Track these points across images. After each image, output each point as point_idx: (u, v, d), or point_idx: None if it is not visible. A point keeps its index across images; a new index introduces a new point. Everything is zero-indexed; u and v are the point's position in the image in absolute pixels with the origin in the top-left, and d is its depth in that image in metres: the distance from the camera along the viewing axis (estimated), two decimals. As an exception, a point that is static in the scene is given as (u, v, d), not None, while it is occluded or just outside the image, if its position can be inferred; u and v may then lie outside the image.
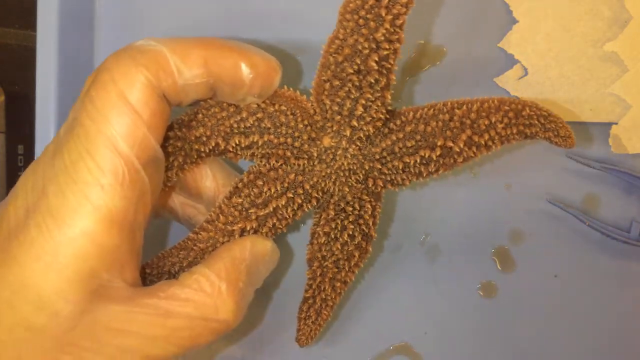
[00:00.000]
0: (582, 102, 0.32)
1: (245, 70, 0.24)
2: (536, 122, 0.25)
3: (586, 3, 0.32)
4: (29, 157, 0.40)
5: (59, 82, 0.31)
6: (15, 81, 0.41)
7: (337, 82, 0.25)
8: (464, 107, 0.26)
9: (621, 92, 0.32)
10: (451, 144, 0.26)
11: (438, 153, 0.26)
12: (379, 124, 0.26)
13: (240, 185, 0.27)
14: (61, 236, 0.22)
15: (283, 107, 0.26)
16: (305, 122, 0.26)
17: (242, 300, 0.25)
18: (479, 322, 0.34)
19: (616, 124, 0.32)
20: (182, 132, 0.26)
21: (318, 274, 0.29)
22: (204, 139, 0.26)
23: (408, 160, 0.26)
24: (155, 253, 0.28)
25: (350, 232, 0.28)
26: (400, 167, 0.27)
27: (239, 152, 0.27)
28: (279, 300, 0.35)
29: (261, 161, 0.27)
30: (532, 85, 0.33)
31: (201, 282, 0.24)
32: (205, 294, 0.24)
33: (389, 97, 0.26)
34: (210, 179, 0.29)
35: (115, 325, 0.22)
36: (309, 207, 0.28)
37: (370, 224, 0.28)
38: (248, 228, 0.27)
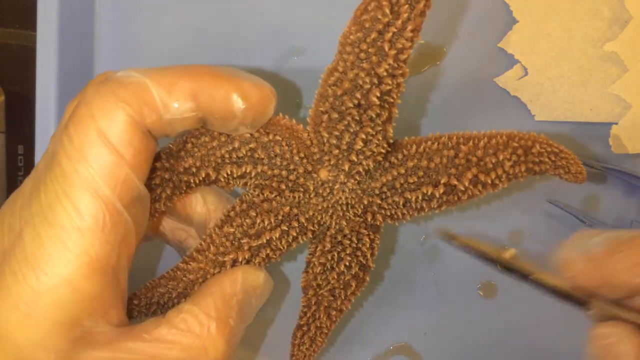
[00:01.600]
0: (582, 102, 0.32)
1: (237, 101, 0.22)
2: (546, 159, 0.24)
3: (586, 3, 0.32)
4: (29, 157, 0.40)
5: (59, 82, 0.31)
6: (15, 81, 0.41)
7: (335, 115, 0.24)
8: (470, 143, 0.25)
9: (621, 92, 0.32)
10: (456, 182, 0.25)
11: (441, 191, 0.25)
12: (379, 158, 0.25)
13: (232, 214, 0.26)
14: (39, 285, 0.20)
15: (278, 137, 0.25)
16: (302, 155, 0.25)
17: (233, 339, 0.23)
18: (479, 322, 0.34)
19: (616, 124, 0.32)
20: (170, 164, 0.25)
21: (313, 302, 0.28)
22: (194, 170, 0.25)
23: (409, 197, 0.25)
24: (146, 275, 0.27)
25: (347, 264, 0.27)
26: (401, 203, 0.26)
27: (231, 182, 0.25)
28: (273, 321, 0.35)
29: (254, 191, 0.26)
30: (532, 85, 0.33)
31: (189, 322, 0.23)
32: (194, 335, 0.22)
33: (391, 130, 0.25)
34: (200, 204, 0.27)
35: None
36: (304, 239, 0.26)
37: (369, 255, 0.27)
38: (240, 259, 0.25)
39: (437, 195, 0.25)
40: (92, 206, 0.20)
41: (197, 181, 0.25)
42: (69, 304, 0.21)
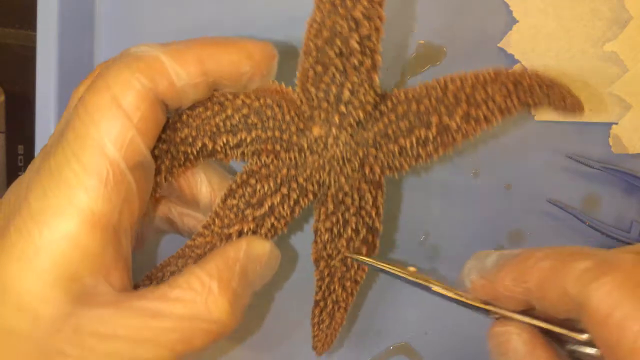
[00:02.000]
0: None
1: (243, 62, 0.24)
2: (538, 91, 0.24)
3: (586, 3, 0.32)
4: (29, 157, 0.40)
5: (59, 82, 0.31)
6: (15, 81, 0.41)
7: (320, 68, 0.24)
8: (458, 82, 0.25)
9: (621, 92, 0.32)
10: (447, 121, 0.25)
11: (434, 131, 0.25)
12: (368, 107, 0.25)
13: (234, 186, 0.26)
14: (41, 238, 0.21)
15: (269, 101, 0.25)
16: (292, 113, 0.25)
17: (237, 302, 0.24)
18: (479, 323, 0.34)
19: (616, 124, 0.32)
20: (167, 135, 0.25)
21: (326, 274, 0.28)
22: (190, 140, 0.25)
23: (404, 143, 0.25)
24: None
25: (354, 226, 0.27)
26: (397, 151, 0.25)
27: (229, 152, 0.26)
28: (282, 305, 0.35)
29: (252, 159, 0.26)
30: (532, 85, 0.33)
31: (191, 282, 0.23)
32: (195, 293, 0.23)
33: (377, 79, 0.25)
34: (205, 185, 0.28)
35: (101, 329, 0.22)
36: (306, 202, 0.26)
37: (374, 214, 0.27)
38: (245, 230, 0.26)
39: (431, 138, 0.25)
40: (98, 164, 0.22)
41: (195, 152, 0.26)
42: (70, 258, 0.21)
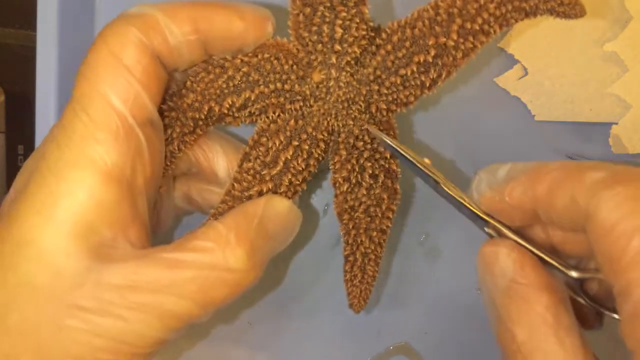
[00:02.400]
0: (582, 102, 0.32)
1: (234, 22, 0.24)
2: None
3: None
4: (29, 157, 0.40)
5: (59, 82, 0.31)
6: (15, 81, 0.41)
7: (308, 10, 0.25)
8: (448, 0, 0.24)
9: (621, 92, 0.32)
10: (444, 40, 0.24)
11: (433, 54, 0.24)
12: (363, 42, 0.25)
13: (247, 149, 0.26)
14: (58, 189, 0.22)
15: (266, 55, 0.25)
16: (290, 62, 0.25)
17: (255, 254, 0.24)
18: (479, 322, 0.34)
19: (616, 124, 0.32)
20: (174, 102, 0.26)
21: (351, 226, 0.27)
22: (197, 104, 0.26)
23: (405, 72, 0.25)
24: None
25: (371, 171, 0.26)
26: (399, 82, 0.25)
27: (236, 115, 0.26)
28: (302, 266, 0.35)
29: (260, 118, 0.26)
30: (532, 85, 0.33)
31: (209, 233, 0.23)
32: (213, 243, 0.23)
33: (367, 11, 0.25)
34: (221, 156, 0.29)
35: (121, 282, 0.22)
36: (318, 152, 0.26)
37: (388, 156, 0.27)
38: (265, 190, 0.26)
39: (431, 61, 0.24)
40: (107, 118, 0.22)
41: (203, 116, 0.26)
42: (86, 209, 0.22)
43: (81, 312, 0.22)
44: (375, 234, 0.28)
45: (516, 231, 0.23)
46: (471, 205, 0.24)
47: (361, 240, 0.27)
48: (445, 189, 0.25)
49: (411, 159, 0.26)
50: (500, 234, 0.24)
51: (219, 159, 0.29)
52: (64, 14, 0.32)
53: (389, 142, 0.26)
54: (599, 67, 0.32)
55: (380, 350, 0.34)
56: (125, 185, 0.23)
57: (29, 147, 0.40)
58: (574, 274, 0.22)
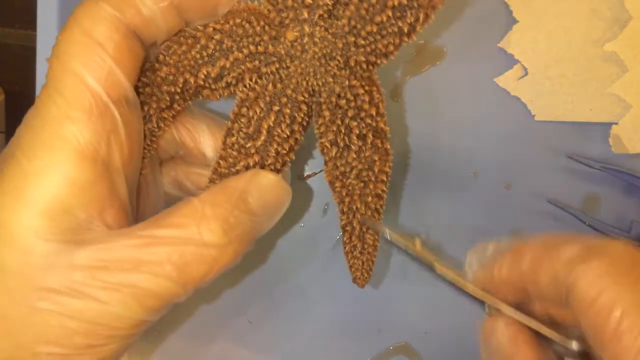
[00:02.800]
0: (582, 102, 0.32)
1: None
2: None
3: (586, 3, 0.32)
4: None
5: (59, 82, 0.31)
6: (15, 81, 0.41)
7: None
8: None
9: (621, 92, 0.32)
10: None
11: None
12: None
13: (229, 124, 0.26)
14: (30, 169, 0.21)
15: (237, 20, 0.25)
16: (262, 23, 0.25)
17: (235, 229, 0.23)
18: (479, 322, 0.34)
19: (616, 124, 0.32)
20: (148, 77, 0.25)
21: (344, 194, 0.26)
22: (171, 77, 0.25)
23: (380, 19, 0.24)
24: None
25: (358, 131, 0.25)
26: (376, 31, 0.24)
27: (214, 86, 0.25)
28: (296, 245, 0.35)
29: (238, 88, 0.25)
30: (532, 85, 0.33)
31: (184, 208, 0.22)
32: (188, 217, 0.22)
33: None
34: (207, 135, 0.28)
35: (93, 263, 0.21)
36: (301, 115, 0.25)
37: (374, 114, 0.25)
38: (251, 164, 0.25)
39: (406, 3, 0.23)
40: (80, 96, 0.22)
41: (179, 90, 0.25)
42: (59, 188, 0.21)
43: (52, 295, 0.21)
44: (370, 199, 0.26)
45: (515, 306, 0.24)
46: (468, 287, 0.25)
47: (356, 207, 0.27)
48: (441, 273, 0.25)
49: (402, 247, 0.25)
50: (498, 310, 0.24)
51: (205, 138, 0.28)
52: (64, 14, 0.32)
53: (380, 229, 0.26)
54: (599, 67, 0.32)
55: (380, 350, 0.34)
56: (100, 165, 0.22)
57: (29, 147, 0.40)
58: (574, 345, 0.22)
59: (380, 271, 0.34)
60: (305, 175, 0.34)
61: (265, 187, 0.24)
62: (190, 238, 0.22)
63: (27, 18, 0.39)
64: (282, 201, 0.25)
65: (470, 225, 0.34)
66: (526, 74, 0.33)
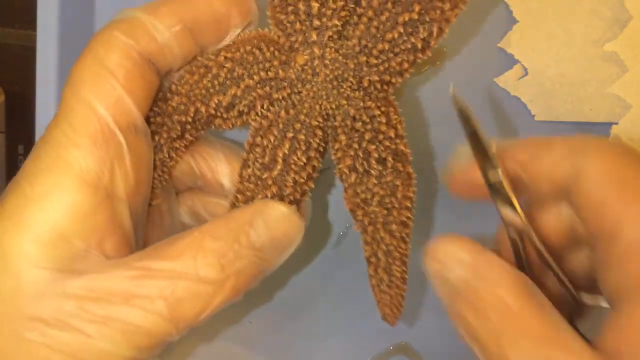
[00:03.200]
0: (582, 102, 0.32)
1: (215, 2, 0.24)
2: None
3: (586, 3, 0.32)
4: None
5: (59, 82, 0.31)
6: (15, 81, 0.41)
7: None
8: None
9: (621, 92, 0.32)
10: None
11: (417, 9, 0.23)
12: (343, 13, 0.24)
13: (244, 155, 0.25)
14: (31, 193, 0.21)
15: (248, 48, 0.25)
16: (272, 49, 0.24)
17: (234, 265, 0.21)
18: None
19: (616, 124, 0.32)
20: (159, 106, 0.25)
21: (367, 223, 0.25)
22: (182, 107, 0.25)
23: (392, 36, 0.23)
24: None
25: (377, 155, 0.24)
26: (388, 49, 0.24)
27: (225, 115, 0.25)
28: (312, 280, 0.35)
29: (250, 117, 0.25)
30: (532, 85, 0.33)
31: (183, 238, 0.22)
32: (185, 249, 0.21)
33: None
34: (224, 164, 0.27)
35: (83, 293, 0.20)
36: (317, 141, 0.25)
37: (393, 136, 0.25)
38: (269, 195, 0.24)
39: (417, 18, 0.23)
40: (86, 122, 0.22)
41: (190, 119, 0.25)
42: (58, 214, 0.21)
43: (41, 325, 0.20)
44: (395, 227, 0.25)
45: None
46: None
47: (381, 237, 0.25)
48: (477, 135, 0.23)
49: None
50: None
51: (222, 168, 0.27)
52: (64, 14, 0.32)
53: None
54: (599, 67, 0.32)
55: (380, 350, 0.34)
56: (102, 192, 0.22)
57: (29, 147, 0.40)
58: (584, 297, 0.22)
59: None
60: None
61: (273, 220, 0.23)
62: (185, 272, 0.21)
63: (27, 18, 0.39)
64: (292, 237, 0.23)
65: (470, 225, 0.34)
66: (526, 74, 0.33)
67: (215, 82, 0.25)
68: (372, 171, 0.25)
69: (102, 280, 0.21)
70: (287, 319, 0.34)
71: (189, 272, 0.21)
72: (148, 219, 0.26)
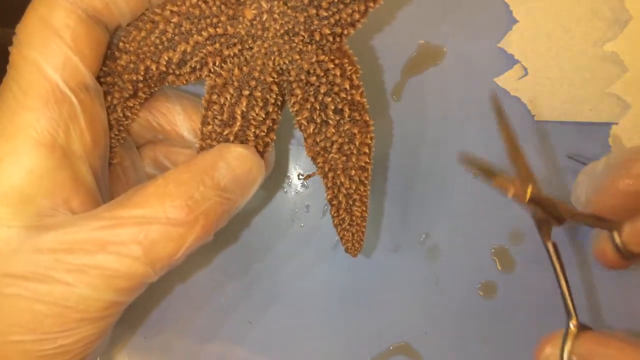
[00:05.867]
0: (582, 102, 0.32)
1: None
2: None
3: (586, 3, 0.32)
4: None
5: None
6: (15, 81, 0.41)
7: None
8: None
9: (621, 92, 0.32)
10: None
11: None
12: None
13: (203, 112, 0.25)
14: None
15: (194, 0, 0.24)
16: (218, 3, 0.24)
17: (201, 205, 0.22)
18: (479, 322, 0.34)
19: (616, 124, 0.32)
20: (107, 66, 0.25)
21: (327, 169, 0.26)
22: (132, 66, 0.24)
23: None
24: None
25: (333, 107, 0.24)
26: (337, 0, 0.23)
27: (178, 72, 0.25)
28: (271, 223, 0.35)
29: (203, 73, 0.25)
30: (532, 85, 0.33)
31: (148, 187, 0.22)
32: (151, 196, 0.22)
33: None
34: (183, 117, 0.28)
35: (57, 246, 0.21)
36: (274, 96, 0.24)
37: (348, 87, 0.24)
38: None
39: None
40: (36, 84, 0.22)
41: (141, 78, 0.25)
42: (18, 178, 0.21)
43: (19, 281, 0.21)
44: (354, 172, 0.26)
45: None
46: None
47: (341, 182, 0.26)
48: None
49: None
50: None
51: (181, 121, 0.28)
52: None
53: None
54: (599, 67, 0.32)
55: (381, 350, 0.34)
56: (60, 152, 0.22)
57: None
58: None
59: (380, 271, 0.34)
60: (305, 175, 0.34)
61: (234, 161, 0.24)
62: (155, 216, 0.22)
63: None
64: (254, 175, 0.24)
65: (470, 225, 0.34)
66: (526, 74, 0.33)
67: (164, 38, 0.24)
68: (330, 121, 0.25)
69: (74, 232, 0.21)
70: (288, 320, 0.34)
71: (159, 216, 0.22)
72: (112, 175, 0.27)
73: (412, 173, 0.34)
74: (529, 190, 0.26)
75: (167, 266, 0.22)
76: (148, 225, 0.21)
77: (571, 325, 0.27)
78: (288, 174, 0.35)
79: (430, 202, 0.34)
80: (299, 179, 0.34)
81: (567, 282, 0.26)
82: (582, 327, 0.26)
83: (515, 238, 0.34)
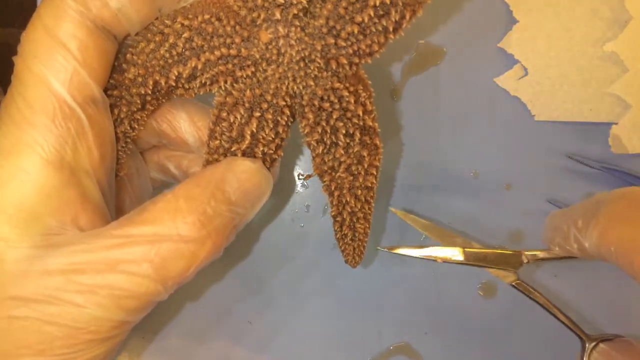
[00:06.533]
0: (582, 102, 0.32)
1: None
2: None
3: (586, 3, 0.32)
4: None
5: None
6: (15, 81, 0.41)
7: None
8: None
9: (621, 92, 0.32)
10: None
11: None
12: None
13: (211, 126, 0.25)
14: None
15: (206, 17, 0.23)
16: (232, 23, 0.23)
17: (213, 221, 0.22)
18: (479, 322, 0.34)
19: (616, 124, 0.32)
20: (115, 79, 0.24)
21: (333, 187, 0.26)
22: (140, 79, 0.24)
23: (361, 19, 0.22)
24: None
25: (344, 131, 0.24)
26: (358, 31, 0.22)
27: (187, 86, 0.24)
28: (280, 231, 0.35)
29: (213, 88, 0.24)
30: (532, 85, 0.33)
31: (158, 203, 0.22)
32: (162, 212, 0.21)
33: None
34: (188, 124, 0.27)
35: (67, 266, 0.21)
36: (285, 119, 0.24)
37: (361, 113, 0.24)
38: None
39: (389, 2, 0.21)
40: (42, 99, 0.21)
41: (149, 92, 0.24)
42: (25, 196, 0.21)
43: (28, 303, 0.20)
44: (360, 192, 0.26)
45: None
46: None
47: (346, 201, 0.26)
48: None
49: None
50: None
51: (185, 127, 0.27)
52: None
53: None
54: (599, 67, 0.32)
55: (381, 350, 0.34)
56: (67, 169, 0.21)
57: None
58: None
59: (379, 270, 0.34)
60: (305, 175, 0.34)
61: (242, 175, 0.23)
62: (166, 234, 0.21)
63: (27, 18, 0.39)
64: (262, 189, 0.24)
65: (470, 225, 0.34)
66: (526, 74, 0.33)
67: (174, 52, 0.23)
68: (340, 142, 0.25)
69: (84, 251, 0.21)
70: (288, 320, 0.34)
71: (171, 233, 0.21)
72: (117, 184, 0.26)
73: (412, 173, 0.34)
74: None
75: (178, 284, 0.22)
76: (159, 243, 0.21)
77: (587, 345, 0.29)
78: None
79: (430, 202, 0.34)
80: (299, 179, 0.34)
81: (558, 309, 0.28)
82: (594, 342, 0.28)
83: (515, 238, 0.34)
